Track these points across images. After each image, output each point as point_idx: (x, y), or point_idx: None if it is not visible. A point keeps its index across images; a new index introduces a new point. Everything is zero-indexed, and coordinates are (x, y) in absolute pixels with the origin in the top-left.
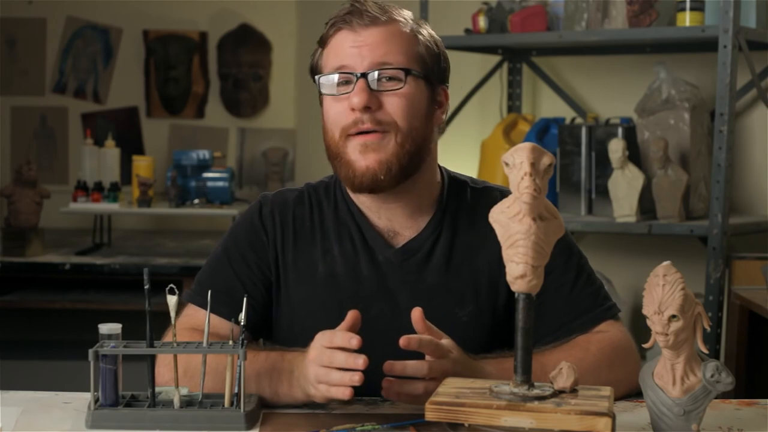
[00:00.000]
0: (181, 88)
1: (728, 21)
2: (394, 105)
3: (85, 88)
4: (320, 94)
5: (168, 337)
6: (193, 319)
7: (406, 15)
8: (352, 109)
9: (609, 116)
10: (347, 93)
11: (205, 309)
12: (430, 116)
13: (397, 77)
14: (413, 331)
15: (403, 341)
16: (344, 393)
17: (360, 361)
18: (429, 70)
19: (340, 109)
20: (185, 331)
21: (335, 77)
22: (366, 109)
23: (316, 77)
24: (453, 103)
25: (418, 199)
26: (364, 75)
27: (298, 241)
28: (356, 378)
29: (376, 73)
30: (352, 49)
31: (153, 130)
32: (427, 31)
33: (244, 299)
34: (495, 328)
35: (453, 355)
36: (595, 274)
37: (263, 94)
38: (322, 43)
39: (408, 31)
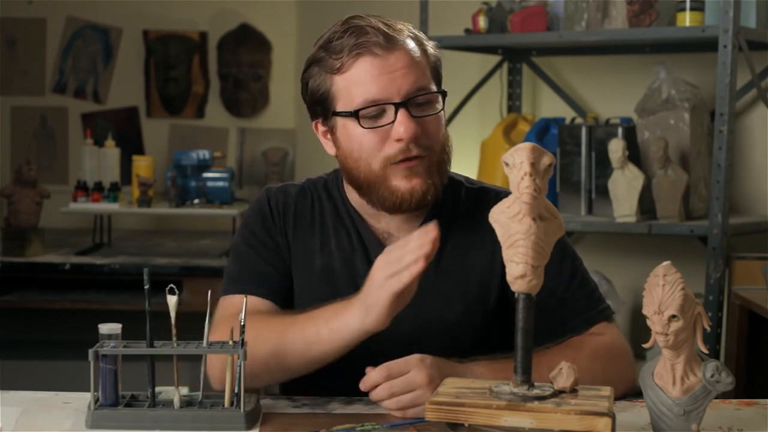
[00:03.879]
0: (181, 88)
1: (728, 21)
2: (433, 129)
3: (85, 88)
4: (322, 122)
5: (217, 332)
6: (233, 308)
7: (404, 26)
8: (398, 140)
9: (609, 116)
10: (388, 124)
11: (243, 293)
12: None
13: (432, 100)
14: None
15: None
16: (419, 265)
17: (432, 234)
18: (440, 83)
19: (377, 139)
20: (231, 318)
21: (371, 110)
22: (413, 137)
23: (348, 111)
24: (453, 103)
25: None
26: (404, 104)
27: (298, 232)
28: (426, 247)
29: (414, 100)
30: (383, 77)
31: (153, 130)
32: (427, 41)
33: (245, 300)
34: (484, 330)
35: (427, 362)
36: (590, 276)
37: (263, 94)
38: (333, 70)
39: (417, 46)
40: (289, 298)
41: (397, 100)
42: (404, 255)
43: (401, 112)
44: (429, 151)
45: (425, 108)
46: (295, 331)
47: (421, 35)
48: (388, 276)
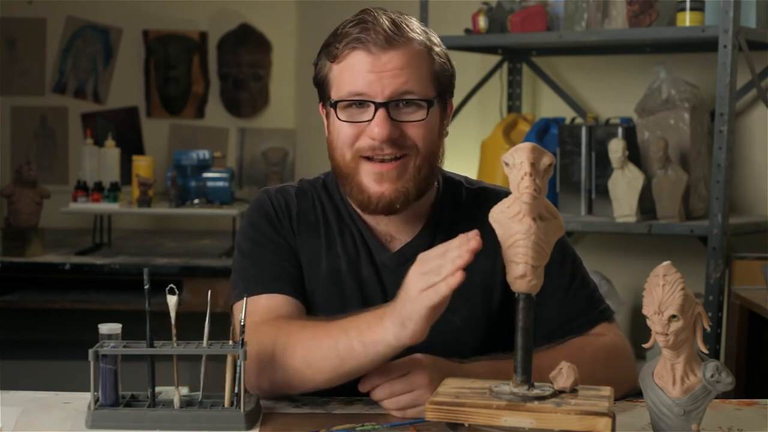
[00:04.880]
0: (181, 88)
1: (728, 21)
2: (415, 134)
3: (85, 88)
4: (323, 106)
5: (256, 336)
6: (265, 309)
7: (416, 27)
8: (372, 138)
9: (609, 116)
10: (366, 121)
11: (268, 293)
12: (442, 134)
13: (420, 105)
14: None
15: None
16: (457, 277)
17: (473, 243)
18: (443, 89)
19: (354, 132)
20: (264, 324)
21: (352, 103)
22: (387, 139)
23: (332, 101)
24: (453, 103)
25: (415, 207)
26: (385, 105)
27: (302, 232)
28: (465, 256)
29: (397, 102)
30: (371, 74)
31: (153, 130)
32: (438, 46)
33: (245, 300)
34: (489, 331)
35: (426, 362)
36: (589, 276)
37: (263, 94)
38: (332, 56)
39: (423, 49)
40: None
41: (378, 100)
42: (443, 265)
43: (380, 113)
44: (407, 152)
45: (410, 112)
46: (328, 343)
47: (434, 40)
48: (425, 288)
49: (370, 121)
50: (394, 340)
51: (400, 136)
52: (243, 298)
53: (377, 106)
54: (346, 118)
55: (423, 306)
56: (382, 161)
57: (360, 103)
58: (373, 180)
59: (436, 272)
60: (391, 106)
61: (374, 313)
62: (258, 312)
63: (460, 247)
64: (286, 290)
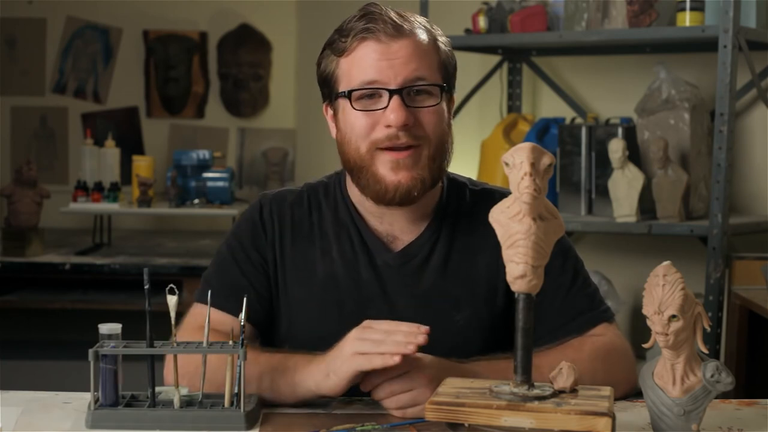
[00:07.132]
0: (181, 88)
1: (728, 21)
2: (428, 120)
3: (85, 88)
4: (329, 105)
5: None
6: (200, 318)
7: (420, 20)
8: (387, 126)
9: (609, 116)
10: (381, 108)
11: (213, 307)
12: (450, 125)
13: (431, 92)
14: None
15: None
16: (396, 359)
17: (422, 338)
18: (449, 80)
19: (369, 122)
20: (193, 330)
21: (366, 92)
22: (403, 125)
23: (344, 91)
24: (455, 98)
25: (421, 205)
26: (399, 91)
27: (296, 241)
28: (411, 347)
29: (411, 89)
30: (382, 62)
31: (153, 130)
32: (443, 38)
33: (244, 299)
34: (493, 331)
35: (426, 361)
36: (590, 278)
37: (263, 94)
38: (339, 52)
39: (429, 39)
40: (263, 315)
41: (392, 87)
42: (384, 341)
43: (394, 99)
44: (421, 142)
45: (422, 99)
46: (255, 373)
47: (437, 30)
48: (359, 353)
49: (384, 109)
50: (315, 387)
51: (414, 124)
52: (197, 301)
53: (391, 93)
54: (359, 108)
55: (351, 367)
56: (398, 150)
57: (371, 94)
58: (389, 169)
59: (375, 344)
60: (404, 92)
61: (306, 356)
62: (198, 318)
63: (408, 336)
64: (233, 309)
